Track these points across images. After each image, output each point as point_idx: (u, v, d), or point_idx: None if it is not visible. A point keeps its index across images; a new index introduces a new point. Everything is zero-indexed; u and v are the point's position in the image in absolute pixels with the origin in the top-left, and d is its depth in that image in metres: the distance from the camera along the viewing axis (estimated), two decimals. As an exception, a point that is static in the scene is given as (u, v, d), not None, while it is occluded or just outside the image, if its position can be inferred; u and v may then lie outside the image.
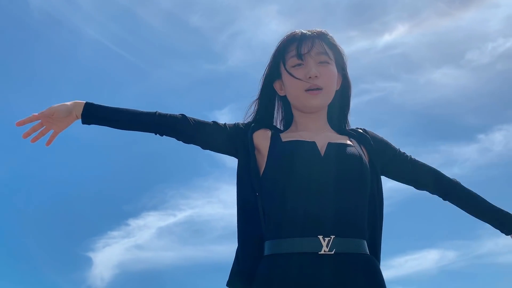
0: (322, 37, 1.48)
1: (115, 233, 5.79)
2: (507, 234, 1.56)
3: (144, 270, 5.76)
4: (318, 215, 1.30)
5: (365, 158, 1.44)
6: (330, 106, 1.54)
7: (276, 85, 1.54)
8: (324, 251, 1.27)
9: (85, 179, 5.88)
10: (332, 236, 1.28)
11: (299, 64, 1.45)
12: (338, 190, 1.33)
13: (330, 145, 1.40)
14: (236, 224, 1.45)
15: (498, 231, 1.59)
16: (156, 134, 1.51)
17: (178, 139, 1.52)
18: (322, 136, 1.44)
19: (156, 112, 1.50)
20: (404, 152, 1.57)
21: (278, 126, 1.59)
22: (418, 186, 1.60)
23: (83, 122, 1.49)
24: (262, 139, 1.47)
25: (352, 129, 1.55)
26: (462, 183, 1.60)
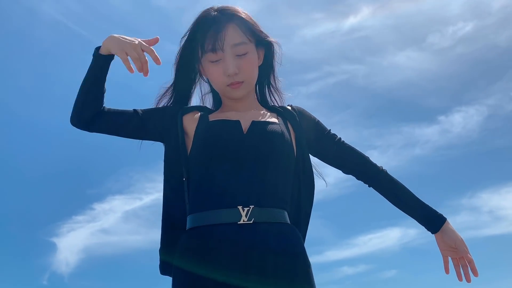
0: (235, 20, 1.44)
1: (79, 218, 5.70)
2: (433, 232, 1.52)
3: (110, 255, 5.72)
4: (237, 187, 1.34)
5: (289, 135, 1.46)
6: (259, 83, 1.57)
7: (201, 68, 1.52)
8: (243, 221, 1.31)
9: (48, 162, 5.74)
10: (251, 206, 1.32)
11: (217, 60, 1.43)
12: (258, 165, 1.37)
13: (253, 123, 1.42)
14: (162, 208, 1.49)
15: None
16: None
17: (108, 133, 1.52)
18: (249, 114, 1.46)
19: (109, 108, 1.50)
20: (334, 134, 1.57)
21: (209, 107, 1.61)
22: (344, 170, 1.58)
23: (96, 54, 1.46)
24: (190, 122, 1.48)
25: (281, 106, 1.57)
26: (388, 171, 1.55)
